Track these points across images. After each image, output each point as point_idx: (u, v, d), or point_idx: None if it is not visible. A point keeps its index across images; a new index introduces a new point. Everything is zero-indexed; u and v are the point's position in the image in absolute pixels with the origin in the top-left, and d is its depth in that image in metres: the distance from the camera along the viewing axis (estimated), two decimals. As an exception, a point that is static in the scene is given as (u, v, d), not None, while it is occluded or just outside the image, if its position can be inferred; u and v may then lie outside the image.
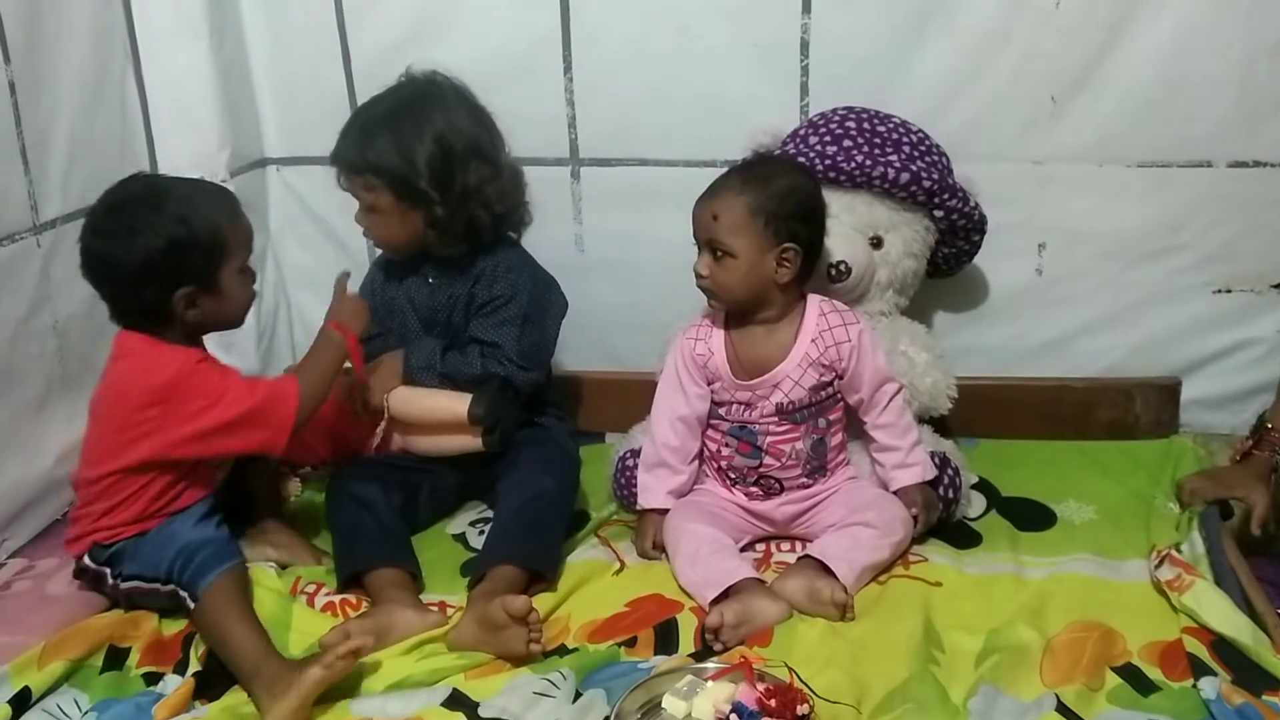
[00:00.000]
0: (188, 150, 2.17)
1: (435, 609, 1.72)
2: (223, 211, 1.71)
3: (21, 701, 1.53)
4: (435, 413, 1.90)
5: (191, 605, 1.63)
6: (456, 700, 1.52)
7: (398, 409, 1.91)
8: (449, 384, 1.92)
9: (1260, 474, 1.85)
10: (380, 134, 1.87)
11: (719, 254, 1.76)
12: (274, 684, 1.50)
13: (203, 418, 1.66)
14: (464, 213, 1.90)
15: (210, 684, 1.57)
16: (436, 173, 1.87)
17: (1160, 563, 1.71)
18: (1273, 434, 1.88)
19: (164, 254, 1.64)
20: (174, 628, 1.70)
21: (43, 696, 1.55)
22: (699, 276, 1.79)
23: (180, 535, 1.69)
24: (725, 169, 1.86)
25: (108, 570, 1.72)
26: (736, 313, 1.83)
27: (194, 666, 1.62)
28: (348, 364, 1.83)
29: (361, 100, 2.22)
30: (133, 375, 1.68)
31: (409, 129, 1.87)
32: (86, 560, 1.74)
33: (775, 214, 1.74)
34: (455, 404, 1.88)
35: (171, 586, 1.66)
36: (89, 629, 1.67)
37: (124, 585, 1.71)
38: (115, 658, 1.65)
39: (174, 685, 1.58)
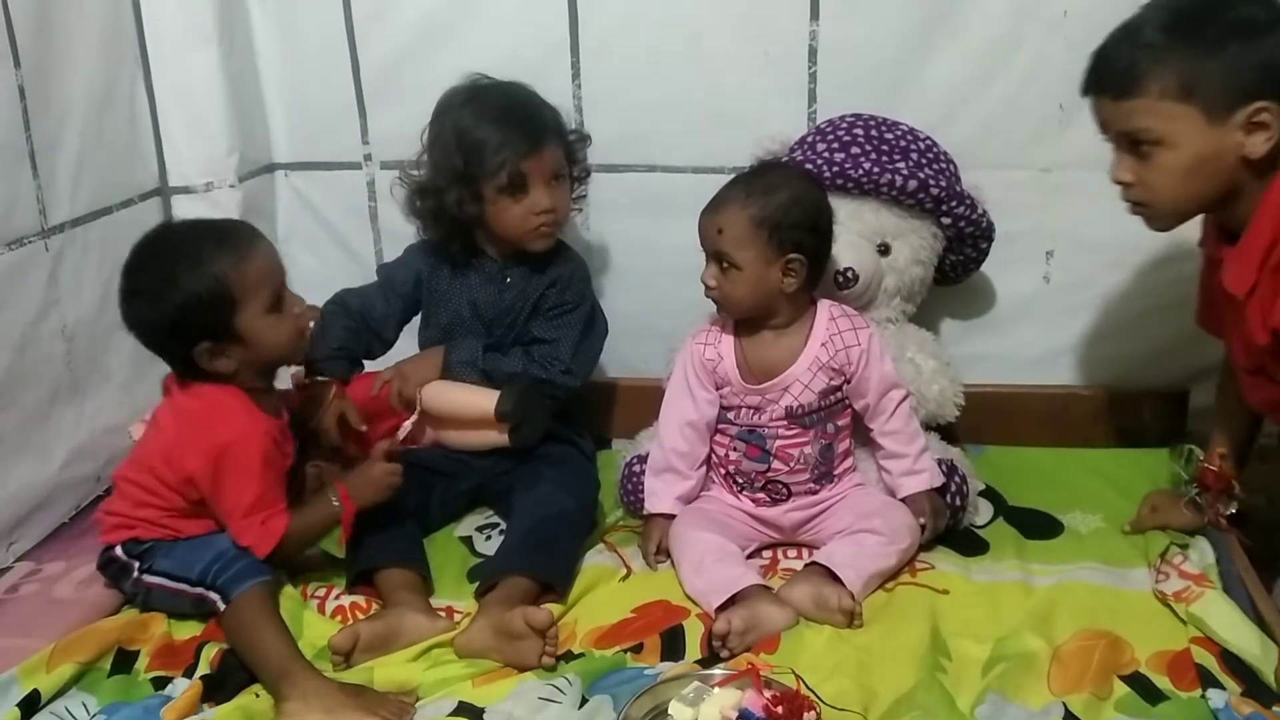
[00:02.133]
0: (197, 156, 2.18)
1: (443, 614, 1.71)
2: (226, 261, 1.64)
3: (30, 705, 1.53)
4: (464, 407, 1.91)
5: (221, 608, 1.63)
6: (463, 709, 1.51)
7: (429, 403, 1.92)
8: (487, 381, 1.92)
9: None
10: (541, 103, 1.95)
11: (725, 266, 1.76)
12: (306, 693, 1.51)
13: (221, 501, 1.68)
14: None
15: (218, 688, 1.58)
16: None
17: (1165, 576, 1.70)
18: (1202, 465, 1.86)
19: (168, 320, 1.64)
20: (185, 633, 1.70)
21: (51, 699, 1.55)
22: (707, 287, 1.80)
23: (218, 542, 1.70)
24: (733, 176, 1.86)
25: (136, 564, 1.73)
26: (746, 318, 1.83)
27: (203, 670, 1.62)
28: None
29: (370, 105, 2.25)
30: (193, 419, 1.69)
31: (540, 97, 1.96)
32: (118, 551, 1.75)
33: (780, 225, 1.74)
34: (484, 400, 1.89)
35: (199, 590, 1.66)
36: (98, 631, 1.67)
37: (149, 579, 1.71)
38: (123, 661, 1.65)
39: (182, 688, 1.58)
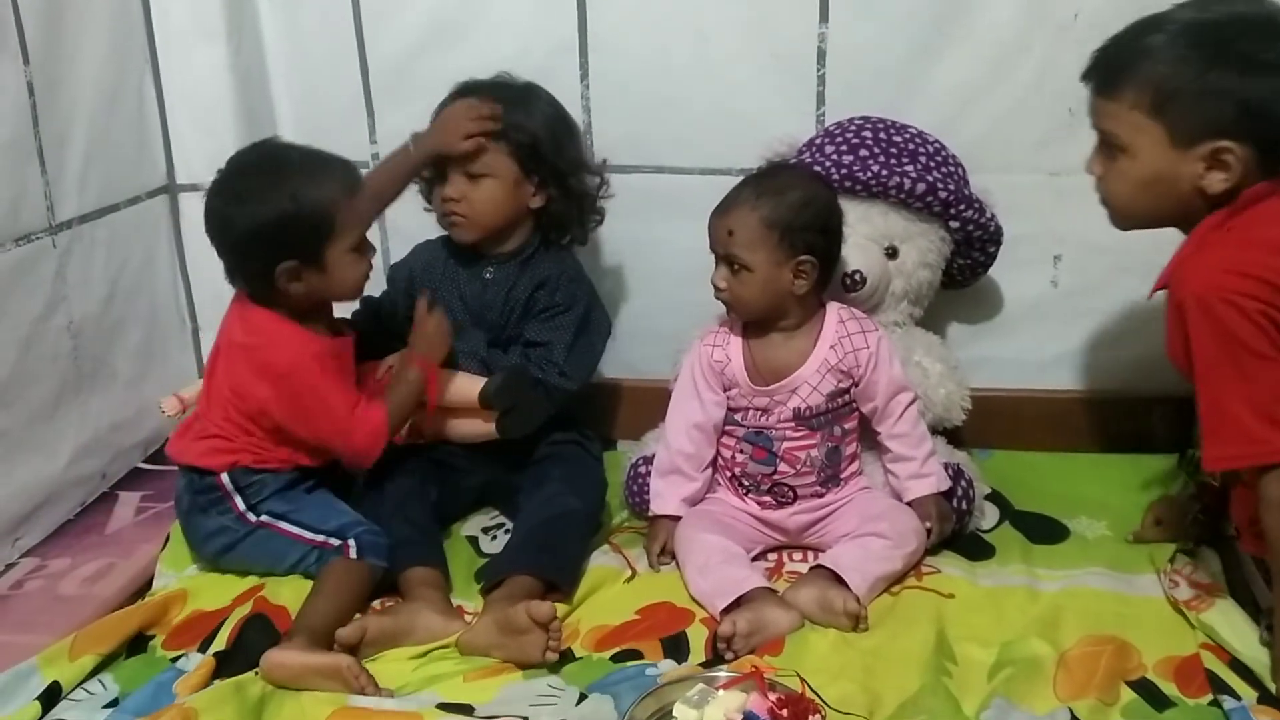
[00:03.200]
0: (204, 153, 2.16)
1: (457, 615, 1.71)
2: (338, 189, 1.71)
3: (51, 696, 1.53)
4: (458, 392, 1.89)
5: (353, 554, 1.70)
6: (454, 707, 1.51)
7: None
8: (486, 373, 1.91)
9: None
10: (514, 103, 1.91)
11: (735, 267, 1.76)
12: (286, 658, 1.55)
13: (301, 427, 1.75)
14: (575, 198, 1.97)
15: (230, 663, 1.59)
16: (560, 147, 1.94)
17: (1175, 584, 1.70)
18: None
19: (270, 226, 1.68)
20: (208, 606, 1.72)
21: (71, 690, 1.56)
22: (717, 289, 1.79)
23: (348, 511, 1.80)
24: (741, 178, 1.86)
25: (239, 498, 1.76)
26: (755, 320, 1.83)
27: (218, 646, 1.63)
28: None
29: (378, 104, 2.25)
30: (251, 353, 1.75)
31: (534, 102, 1.94)
32: (224, 479, 1.77)
33: (790, 227, 1.74)
34: (474, 386, 1.87)
35: (330, 540, 1.73)
36: (118, 619, 1.67)
37: (264, 519, 1.76)
38: (138, 645, 1.66)
39: (195, 662, 1.60)
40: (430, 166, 1.95)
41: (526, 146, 1.91)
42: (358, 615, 1.68)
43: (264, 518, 1.76)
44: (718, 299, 1.81)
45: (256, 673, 1.55)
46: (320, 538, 1.74)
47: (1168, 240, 2.09)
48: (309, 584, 1.71)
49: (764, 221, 1.74)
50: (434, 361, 1.83)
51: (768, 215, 1.74)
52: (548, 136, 1.93)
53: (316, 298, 1.76)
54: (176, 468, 1.84)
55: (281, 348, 1.73)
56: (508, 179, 1.92)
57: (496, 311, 1.98)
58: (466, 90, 1.95)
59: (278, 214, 1.67)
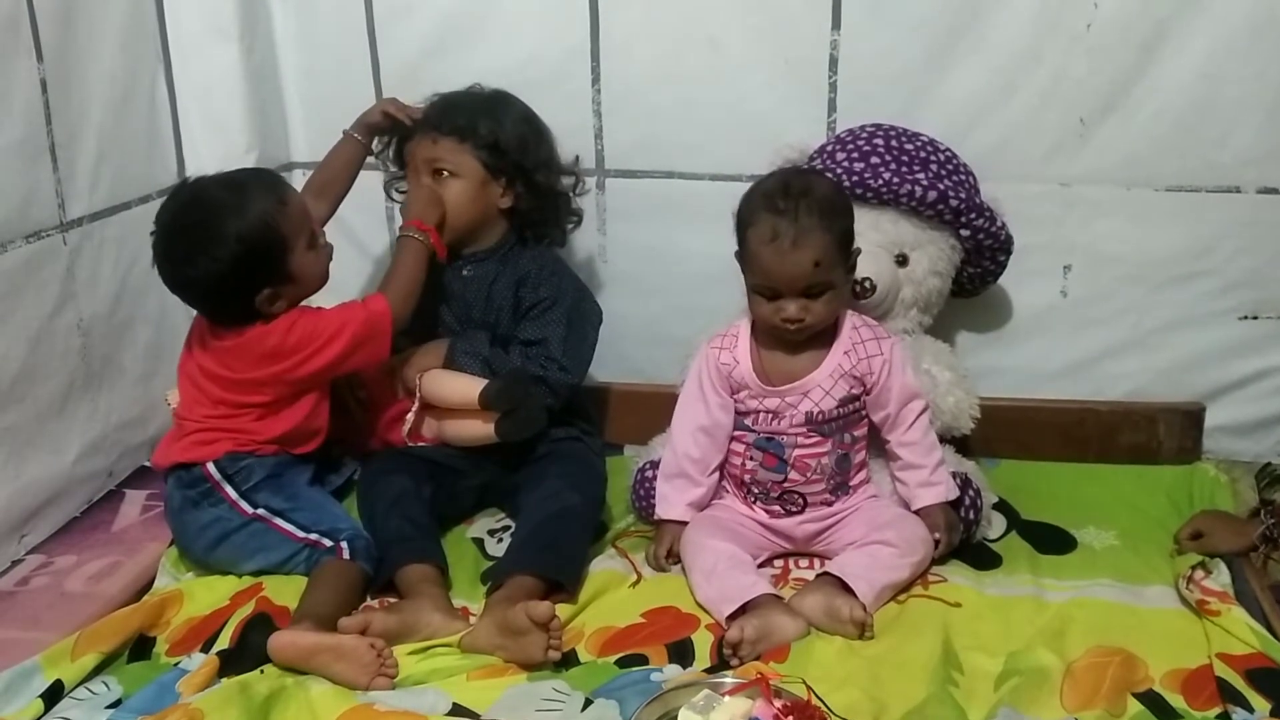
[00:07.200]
0: (215, 152, 2.17)
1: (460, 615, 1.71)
2: (270, 202, 1.74)
3: (54, 695, 1.53)
4: (455, 394, 1.90)
5: (346, 555, 1.72)
6: (458, 711, 1.50)
7: (426, 389, 1.92)
8: (490, 374, 1.92)
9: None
10: (481, 108, 1.98)
11: (818, 293, 1.73)
12: (295, 636, 1.57)
13: (313, 361, 1.79)
14: (548, 200, 2.01)
15: (233, 663, 1.59)
16: (525, 146, 1.98)
17: (1192, 590, 1.70)
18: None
19: (231, 273, 1.72)
20: (208, 606, 1.72)
21: (74, 689, 1.56)
22: (791, 322, 1.74)
23: (345, 516, 1.83)
24: (751, 183, 1.84)
25: (229, 487, 1.77)
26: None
27: (221, 645, 1.63)
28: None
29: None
30: (240, 347, 1.78)
31: (501, 106, 1.99)
32: (210, 468, 1.78)
33: (845, 237, 1.75)
34: (474, 388, 1.87)
35: (322, 539, 1.74)
36: (120, 619, 1.66)
37: (260, 511, 1.77)
38: (141, 647, 1.66)
39: (198, 662, 1.60)
40: (398, 169, 2.04)
41: (488, 145, 1.95)
42: (355, 611, 1.68)
43: (261, 510, 1.77)
44: (791, 334, 1.76)
45: (262, 671, 1.55)
46: (313, 536, 1.75)
47: (1181, 255, 2.11)
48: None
49: (836, 238, 1.73)
50: (430, 222, 1.90)
51: (835, 233, 1.73)
52: (512, 135, 1.97)
53: (296, 303, 1.81)
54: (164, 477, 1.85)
55: (264, 337, 1.77)
56: (474, 178, 1.96)
57: (480, 310, 2.00)
58: (441, 100, 2.01)
59: (231, 259, 1.71)
